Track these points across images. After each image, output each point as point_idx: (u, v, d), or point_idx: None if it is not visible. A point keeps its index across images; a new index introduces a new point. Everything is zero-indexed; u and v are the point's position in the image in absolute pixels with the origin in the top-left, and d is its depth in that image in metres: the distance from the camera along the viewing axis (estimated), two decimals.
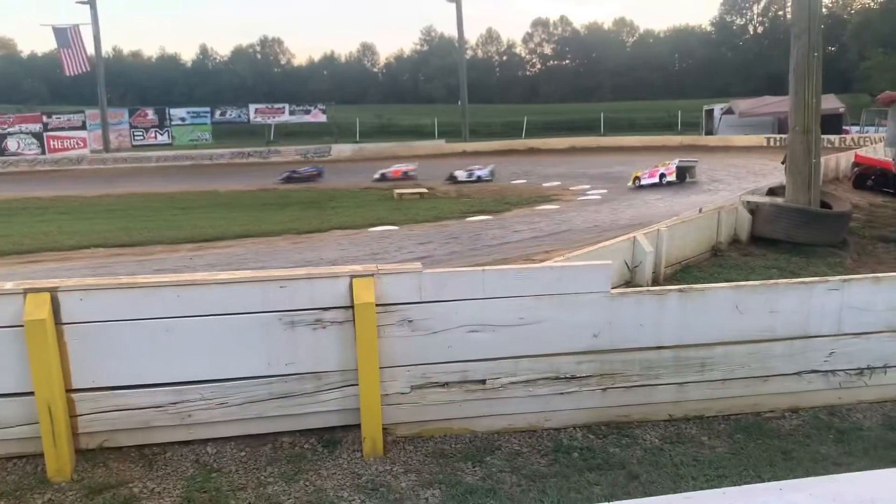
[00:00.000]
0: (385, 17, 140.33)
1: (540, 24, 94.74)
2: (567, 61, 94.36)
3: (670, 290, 4.51)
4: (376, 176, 28.17)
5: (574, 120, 54.37)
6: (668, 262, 8.87)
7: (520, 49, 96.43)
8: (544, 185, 23.63)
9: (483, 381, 4.28)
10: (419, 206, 19.04)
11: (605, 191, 20.88)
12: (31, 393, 3.80)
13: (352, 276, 4.08)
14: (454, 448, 4.11)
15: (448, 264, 9.75)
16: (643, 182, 21.62)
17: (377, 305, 4.05)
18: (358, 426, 4.13)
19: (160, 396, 3.99)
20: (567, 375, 4.37)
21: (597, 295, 4.31)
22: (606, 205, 17.78)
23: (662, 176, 21.41)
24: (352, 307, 4.04)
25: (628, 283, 7.86)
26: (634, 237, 8.29)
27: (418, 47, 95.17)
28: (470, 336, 4.21)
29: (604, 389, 4.43)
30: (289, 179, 28.33)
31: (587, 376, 4.39)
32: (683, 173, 21.73)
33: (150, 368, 3.96)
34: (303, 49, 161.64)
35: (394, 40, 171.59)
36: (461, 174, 26.22)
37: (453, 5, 47.10)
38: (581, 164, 30.07)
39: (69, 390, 3.88)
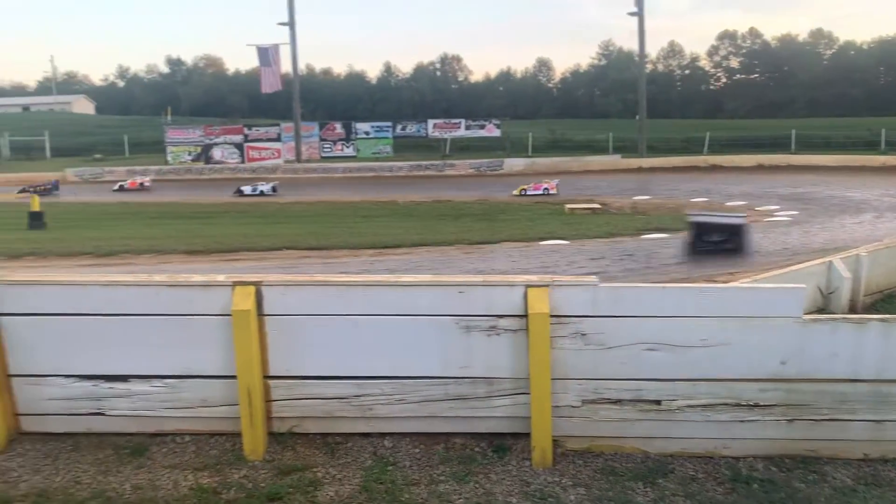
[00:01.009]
0: (562, 32, 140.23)
1: (727, 36, 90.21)
2: (755, 75, 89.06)
3: (871, 319, 4.14)
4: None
5: (761, 137, 51.11)
6: (868, 290, 8.13)
7: (704, 62, 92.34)
8: (727, 203, 22.45)
9: (658, 402, 4.16)
10: (591, 221, 18.81)
11: (796, 212, 19.50)
12: (234, 376, 4.19)
13: (527, 286, 4.13)
14: (625, 466, 4.03)
15: (622, 281, 9.54)
16: (528, 192, 27.28)
17: (551, 316, 4.07)
18: (527, 435, 4.17)
19: (344, 389, 4.26)
20: (749, 403, 4.14)
21: (787, 320, 4.05)
22: (797, 227, 16.60)
23: (546, 189, 26.86)
24: (526, 316, 4.08)
25: (821, 310, 7.30)
26: (830, 261, 7.69)
27: (595, 62, 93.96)
28: (646, 354, 4.11)
29: (789, 420, 4.15)
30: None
31: (771, 405, 4.14)
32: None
33: (336, 361, 4.24)
34: (480, 66, 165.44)
35: (570, 55, 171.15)
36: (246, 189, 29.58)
37: (634, 19, 46.11)
38: (769, 183, 28.27)
39: (266, 377, 4.24)
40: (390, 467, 3.99)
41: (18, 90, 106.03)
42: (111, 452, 4.23)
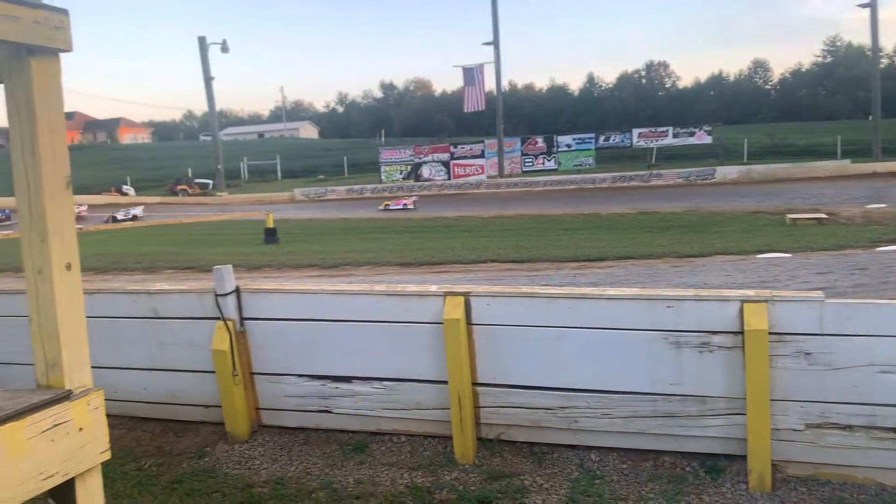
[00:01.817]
0: (780, 31, 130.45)
1: None
2: None
3: None
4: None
5: None
6: None
7: None
8: None
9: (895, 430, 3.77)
10: (816, 232, 17.28)
11: None
12: (445, 382, 4.41)
13: (742, 301, 3.93)
14: (856, 498, 3.69)
15: (853, 297, 8.69)
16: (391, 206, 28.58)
17: (770, 334, 3.84)
18: (742, 457, 3.96)
19: (550, 399, 4.31)
20: None
21: None
22: None
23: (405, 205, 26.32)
24: (741, 333, 3.89)
25: None
26: None
27: (820, 59, 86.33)
28: (881, 377, 3.74)
29: None
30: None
31: None
32: None
33: (542, 372, 4.31)
34: (689, 70, 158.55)
35: (790, 54, 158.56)
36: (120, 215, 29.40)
37: (866, 10, 41.82)
38: None
39: (474, 384, 4.41)
40: (597, 481, 3.97)
41: (254, 119, 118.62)
42: (336, 448, 4.62)
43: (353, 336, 4.66)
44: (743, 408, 3.95)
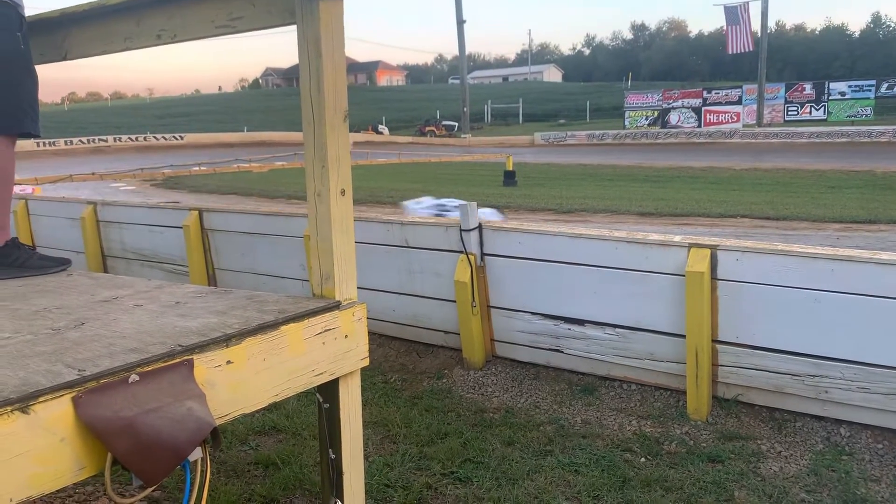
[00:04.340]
0: None
1: None
2: None
3: None
4: None
5: None
6: None
7: None
8: None
9: None
10: None
11: None
12: (682, 335, 4.28)
13: None
14: None
15: None
16: None
17: None
18: None
19: (798, 366, 4.01)
20: None
21: None
22: None
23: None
24: None
25: None
26: None
27: None
28: None
29: None
30: None
31: None
32: None
33: (791, 336, 4.01)
34: None
35: None
36: None
37: None
38: None
39: (714, 340, 4.23)
40: (845, 457, 3.67)
41: (500, 62, 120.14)
42: (565, 387, 4.71)
43: (589, 280, 4.67)
44: None
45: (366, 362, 2.48)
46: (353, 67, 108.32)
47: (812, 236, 10.77)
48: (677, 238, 4.37)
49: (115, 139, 47.51)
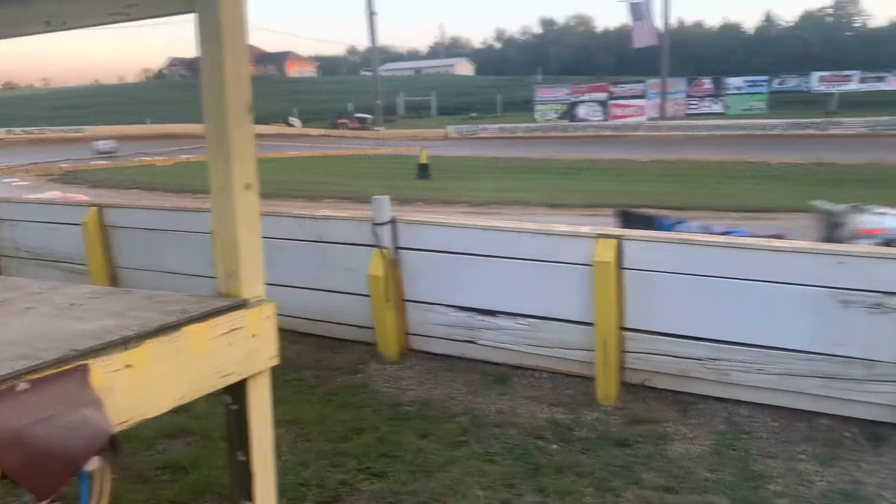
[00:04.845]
0: None
1: None
2: None
3: None
4: None
5: None
6: None
7: None
8: None
9: None
10: None
11: None
12: (591, 324, 4.39)
13: None
14: None
15: None
16: None
17: None
18: None
19: (700, 350, 4.19)
20: None
21: None
22: None
23: None
24: None
25: None
26: None
27: None
28: None
29: None
30: None
31: None
32: None
33: (693, 321, 4.19)
34: (883, 8, 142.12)
35: None
36: None
37: None
38: None
39: (622, 328, 4.37)
40: (744, 436, 3.85)
41: (412, 55, 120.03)
42: (479, 377, 4.76)
43: (501, 272, 4.73)
44: None
45: (275, 361, 2.42)
46: (262, 58, 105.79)
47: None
48: (585, 229, 4.49)
49: (7, 132, 44.80)
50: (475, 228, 4.90)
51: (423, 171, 21.50)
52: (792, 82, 46.13)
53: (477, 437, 3.92)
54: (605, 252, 4.25)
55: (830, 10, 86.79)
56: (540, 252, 4.58)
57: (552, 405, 4.33)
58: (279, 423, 3.82)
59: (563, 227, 4.66)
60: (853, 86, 44.22)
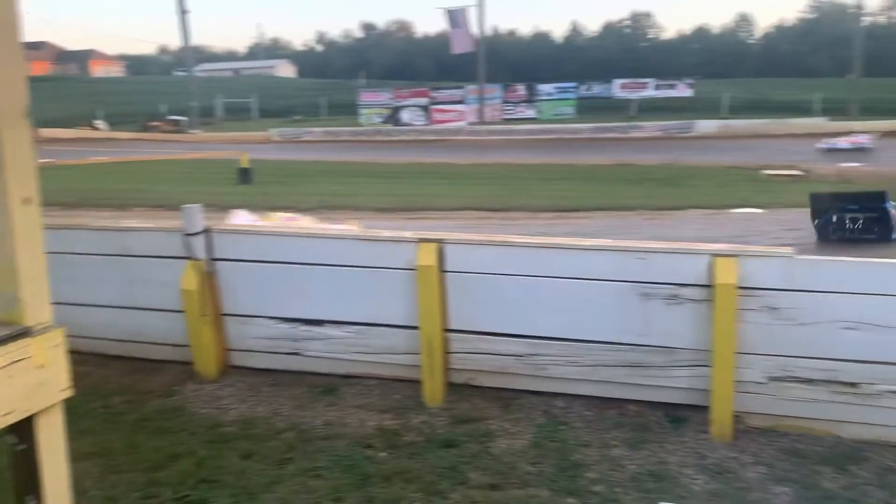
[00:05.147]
0: None
1: None
2: None
3: None
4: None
5: None
6: None
7: None
8: None
9: (854, 384, 3.85)
10: (791, 189, 17.46)
11: None
12: (416, 327, 4.42)
13: (713, 255, 3.96)
14: (813, 449, 3.79)
15: (821, 255, 8.83)
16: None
17: (739, 288, 3.87)
18: (705, 408, 4.03)
19: (519, 347, 4.34)
20: None
21: None
22: None
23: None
24: (710, 287, 3.92)
25: None
26: None
27: (804, 15, 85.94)
28: (843, 333, 3.81)
29: None
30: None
31: None
32: None
33: (512, 320, 4.33)
34: (673, 22, 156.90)
35: (775, 9, 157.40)
36: None
37: None
38: None
39: (446, 330, 4.43)
40: (562, 427, 4.04)
41: (230, 56, 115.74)
42: (306, 390, 4.63)
43: (325, 279, 4.63)
44: (708, 360, 4.01)
45: (68, 393, 2.19)
46: (63, 56, 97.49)
47: (530, 225, 11.81)
48: (407, 234, 4.50)
49: None
50: (296, 236, 4.77)
51: (245, 175, 20.80)
52: (597, 89, 49.60)
53: (303, 452, 3.81)
54: (427, 256, 4.29)
55: (628, 22, 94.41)
56: (364, 258, 4.54)
57: (381, 412, 4.31)
58: (83, 456, 3.50)
59: (386, 233, 4.65)
60: (649, 92, 48.34)
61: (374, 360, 4.66)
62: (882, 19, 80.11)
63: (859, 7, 44.63)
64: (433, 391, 4.38)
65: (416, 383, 4.51)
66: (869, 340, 3.77)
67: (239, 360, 5.00)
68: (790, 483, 3.46)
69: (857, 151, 27.06)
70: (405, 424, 4.13)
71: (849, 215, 10.84)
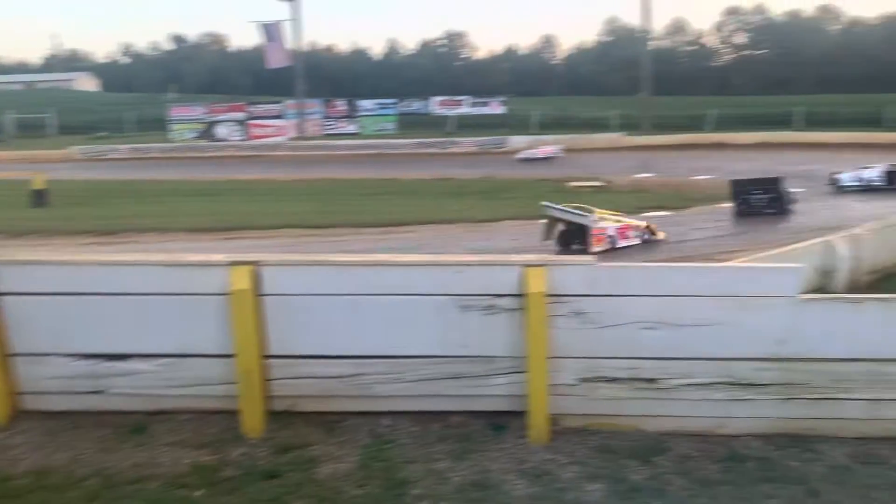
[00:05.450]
0: (567, 8, 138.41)
1: (733, 12, 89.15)
2: (763, 51, 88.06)
3: (868, 299, 4.14)
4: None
5: (767, 114, 50.83)
6: (868, 268, 8.11)
7: (709, 39, 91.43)
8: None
9: (654, 380, 4.18)
10: (594, 199, 18.73)
11: (803, 190, 19.37)
12: (233, 355, 4.21)
13: (524, 266, 4.13)
14: (621, 444, 4.05)
15: (622, 260, 9.55)
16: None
17: (548, 296, 4.07)
18: (524, 413, 4.19)
19: (342, 368, 4.27)
20: (745, 382, 4.15)
21: (783, 299, 4.05)
22: (800, 205, 16.52)
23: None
24: (524, 296, 4.09)
25: (820, 290, 7.29)
26: (831, 240, 7.67)
27: (601, 38, 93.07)
28: (643, 333, 4.12)
29: (785, 399, 4.16)
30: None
31: (767, 384, 4.15)
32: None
33: (335, 341, 4.26)
34: (486, 42, 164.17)
35: (576, 32, 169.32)
36: None
37: None
38: (773, 160, 28.10)
39: (264, 356, 4.26)
40: (388, 445, 4.02)
41: (21, 68, 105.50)
42: (111, 431, 4.26)
43: (129, 311, 4.29)
44: (525, 366, 4.17)
45: None
46: None
47: (354, 241, 11.77)
48: (219, 257, 4.29)
49: None
50: (94, 265, 4.39)
51: (40, 197, 19.02)
52: (416, 105, 50.69)
53: (109, 499, 3.50)
54: (241, 280, 4.11)
55: (443, 41, 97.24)
56: (172, 285, 4.26)
57: (196, 448, 4.05)
58: None
59: (196, 257, 4.41)
60: (465, 109, 50.14)
61: (187, 394, 4.38)
62: (667, 43, 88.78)
63: (646, 31, 49.08)
64: (253, 421, 4.20)
65: (234, 414, 4.29)
66: (665, 338, 4.10)
67: (32, 403, 4.50)
68: (601, 479, 3.67)
69: (548, 160, 33.35)
70: (223, 459, 3.92)
71: (754, 196, 14.46)
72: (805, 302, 4.09)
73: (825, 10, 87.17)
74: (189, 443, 4.11)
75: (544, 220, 12.75)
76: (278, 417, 4.29)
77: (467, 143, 41.65)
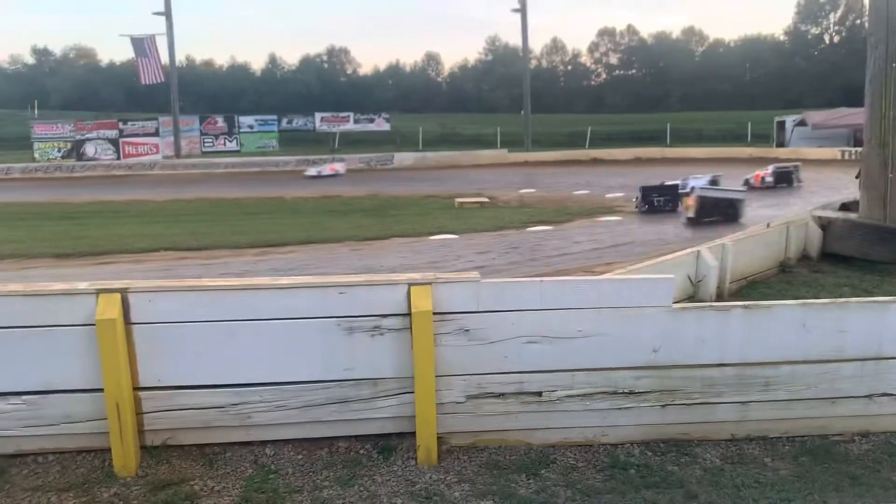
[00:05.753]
0: (450, 26, 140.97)
1: (606, 33, 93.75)
2: (633, 71, 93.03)
3: (734, 306, 4.39)
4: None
5: (640, 131, 53.62)
6: (734, 277, 8.64)
7: (585, 59, 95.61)
8: (607, 196, 23.37)
9: (539, 394, 4.24)
10: (480, 215, 19.07)
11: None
12: (101, 390, 3.94)
13: (410, 284, 4.10)
14: (509, 459, 4.09)
15: (507, 274, 9.73)
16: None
17: (434, 314, 4.06)
18: (413, 434, 4.15)
19: (222, 397, 4.09)
20: (625, 390, 4.29)
21: (657, 309, 4.23)
22: (672, 217, 17.45)
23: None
24: (409, 315, 4.06)
25: (691, 298, 7.69)
26: (698, 251, 8.11)
27: (483, 57, 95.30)
28: (527, 347, 4.18)
29: (663, 406, 4.34)
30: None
31: (646, 392, 4.31)
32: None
33: (213, 370, 4.07)
34: (369, 58, 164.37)
35: (458, 50, 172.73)
36: None
37: (518, 15, 47.13)
38: (646, 175, 29.55)
39: (136, 388, 4.02)
40: (272, 475, 3.87)
41: None
42: None
43: None
44: (412, 386, 4.13)
45: None
46: None
47: (233, 263, 11.38)
48: (83, 285, 4.01)
49: None
50: None
51: None
52: (299, 121, 49.98)
53: None
54: (109, 308, 3.86)
55: (326, 57, 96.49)
56: (30, 317, 3.94)
57: (61, 491, 3.76)
58: None
59: (57, 285, 4.10)
60: (349, 126, 49.90)
61: (50, 433, 4.05)
62: (544, 63, 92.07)
63: (525, 51, 50.63)
64: (125, 458, 3.93)
65: (104, 452, 4.02)
66: (547, 352, 4.18)
67: None
68: (491, 496, 3.67)
69: (335, 177, 35.12)
70: (92, 501, 3.65)
71: (657, 198, 18.91)
72: (678, 311, 4.28)
73: (690, 32, 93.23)
74: (53, 486, 3.80)
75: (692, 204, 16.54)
76: (154, 452, 4.05)
77: (352, 159, 41.34)
